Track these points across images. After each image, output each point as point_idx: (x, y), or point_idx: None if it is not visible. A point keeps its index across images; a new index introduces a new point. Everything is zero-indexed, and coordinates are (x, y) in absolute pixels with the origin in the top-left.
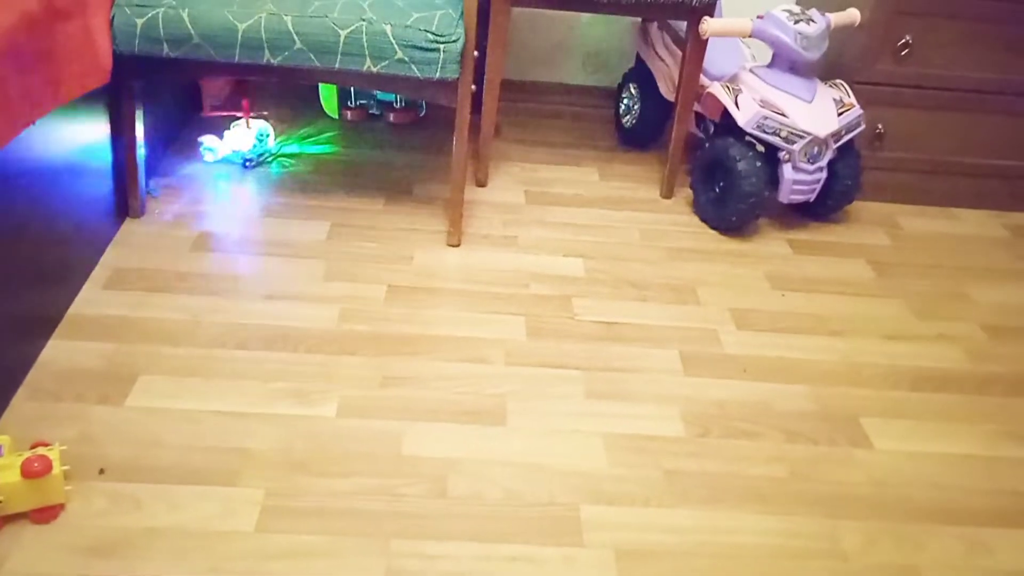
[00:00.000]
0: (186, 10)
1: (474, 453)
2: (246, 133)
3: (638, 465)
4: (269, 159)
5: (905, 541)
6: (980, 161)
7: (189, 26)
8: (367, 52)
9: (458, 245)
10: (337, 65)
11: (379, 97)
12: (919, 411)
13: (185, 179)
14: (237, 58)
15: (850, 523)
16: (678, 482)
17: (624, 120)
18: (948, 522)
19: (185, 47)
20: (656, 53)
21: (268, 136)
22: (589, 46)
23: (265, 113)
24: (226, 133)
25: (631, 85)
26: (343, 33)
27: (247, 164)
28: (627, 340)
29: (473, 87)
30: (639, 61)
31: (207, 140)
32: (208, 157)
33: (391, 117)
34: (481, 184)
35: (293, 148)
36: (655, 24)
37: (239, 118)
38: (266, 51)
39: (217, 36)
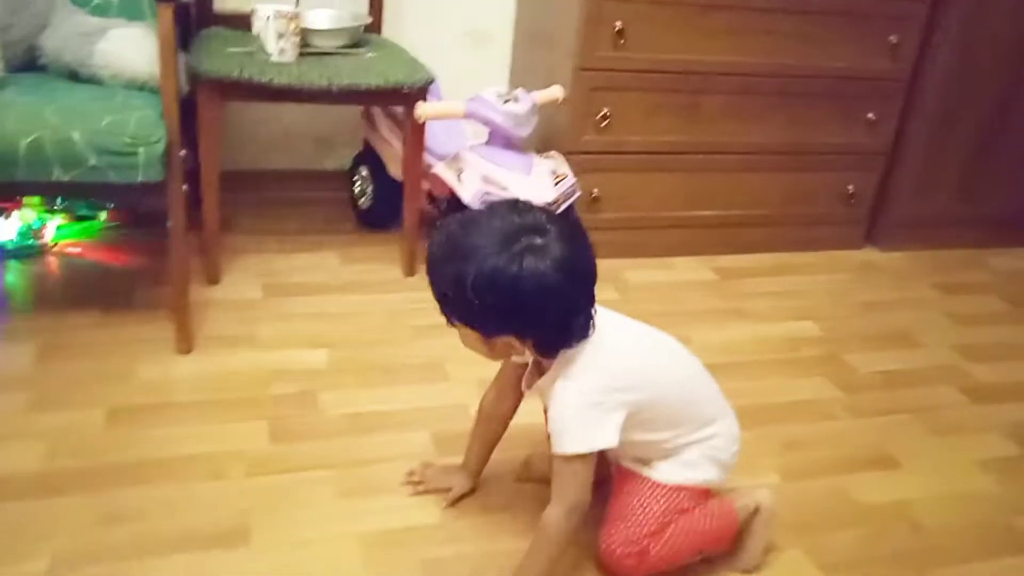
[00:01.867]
0: None
1: None
2: (8, 223)
3: (396, 561)
4: (40, 251)
5: None
6: (686, 213)
7: None
8: (55, 161)
9: (188, 351)
10: (21, 177)
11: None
12: None
13: None
14: None
15: None
16: (437, 572)
17: (360, 202)
18: None
19: None
20: (382, 135)
21: (39, 228)
22: (318, 130)
23: (37, 203)
24: None
25: (362, 167)
26: (23, 143)
27: (8, 255)
28: (377, 429)
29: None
30: (367, 143)
31: None
32: None
33: (105, 217)
34: (213, 281)
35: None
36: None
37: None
38: None
39: None
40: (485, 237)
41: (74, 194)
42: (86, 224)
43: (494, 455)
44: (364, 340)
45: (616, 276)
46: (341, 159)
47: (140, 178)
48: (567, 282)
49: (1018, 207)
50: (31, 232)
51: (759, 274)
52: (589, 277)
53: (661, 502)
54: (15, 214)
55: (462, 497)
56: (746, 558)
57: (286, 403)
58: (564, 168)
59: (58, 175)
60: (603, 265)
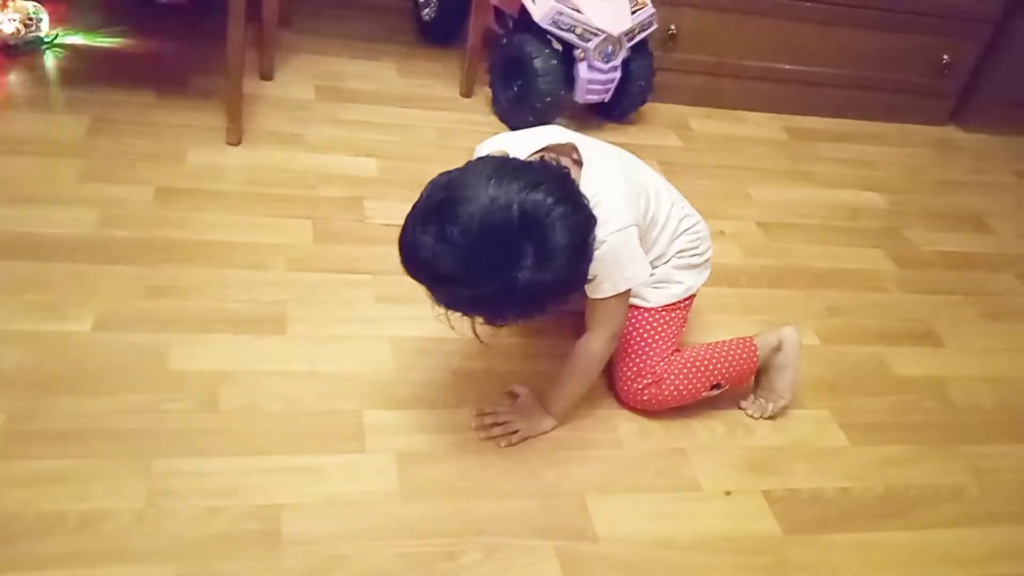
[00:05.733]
0: None
1: (250, 364)
2: (8, 15)
3: (426, 367)
4: (41, 47)
5: None
6: (766, 65)
7: None
8: None
9: (238, 143)
10: None
11: None
12: (697, 306)
13: None
14: None
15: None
16: (464, 382)
17: (424, 13)
18: None
19: None
20: None
21: (41, 20)
22: None
23: None
24: None
25: None
26: None
27: (9, 50)
28: None
29: None
30: None
31: None
32: None
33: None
34: (266, 77)
35: (76, 39)
36: None
37: None
38: None
39: None
40: (483, 257)
41: None
42: (142, 5)
43: None
44: (414, 155)
45: (682, 123)
46: None
47: None
48: (579, 263)
49: None
50: (31, 24)
51: (831, 139)
52: (590, 237)
53: (656, 326)
54: (11, 5)
55: None
56: (773, 396)
57: (331, 206)
58: None
59: None
60: (669, 111)
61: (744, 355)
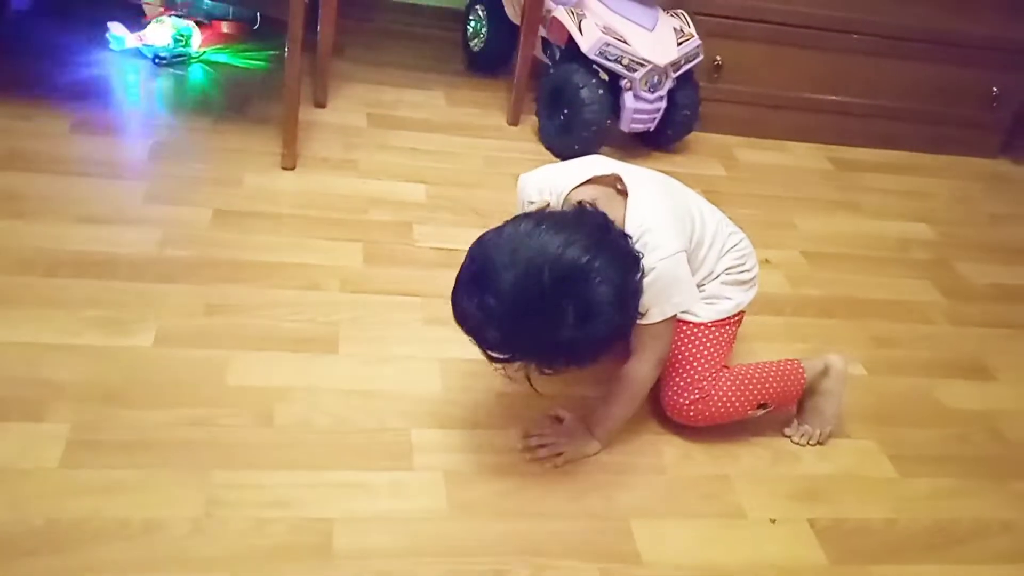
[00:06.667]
0: None
1: (303, 381)
2: (162, 29)
3: (472, 389)
4: (187, 61)
5: None
6: (811, 96)
7: None
8: None
9: (293, 168)
10: None
11: (207, 6)
12: (743, 333)
13: None
14: None
15: None
16: (510, 404)
17: (472, 44)
18: None
19: None
20: None
21: (190, 37)
22: None
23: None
24: (149, 27)
25: (479, 7)
26: None
27: (158, 61)
28: None
29: None
30: None
31: (114, 28)
32: (114, 46)
33: (222, 28)
34: (320, 105)
35: (221, 57)
36: None
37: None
38: None
39: None
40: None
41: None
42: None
43: None
44: (462, 182)
45: (727, 153)
46: None
47: None
48: (624, 311)
49: None
50: (182, 40)
51: (877, 170)
52: (634, 282)
53: (706, 341)
54: (167, 20)
55: None
56: (820, 422)
57: (382, 229)
58: (690, 28)
59: None
60: (714, 140)
61: (791, 376)
